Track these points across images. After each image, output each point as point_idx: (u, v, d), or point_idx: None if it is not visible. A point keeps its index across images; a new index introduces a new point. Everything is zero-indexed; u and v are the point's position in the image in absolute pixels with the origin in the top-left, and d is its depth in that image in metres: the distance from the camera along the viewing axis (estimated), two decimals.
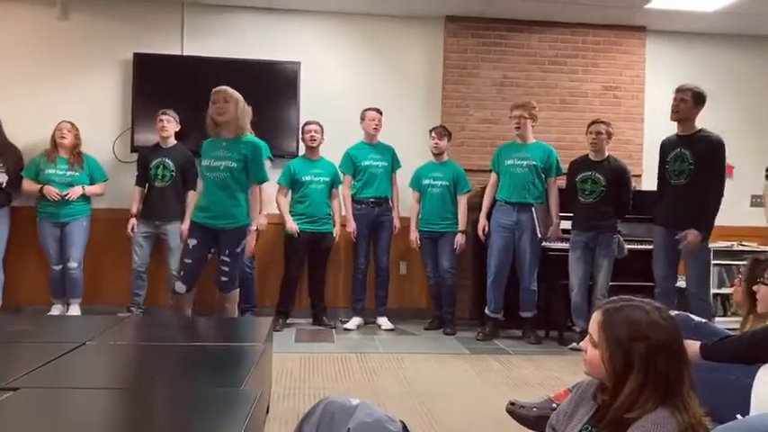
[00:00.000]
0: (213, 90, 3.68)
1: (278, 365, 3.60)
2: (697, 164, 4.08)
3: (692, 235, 4.02)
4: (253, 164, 3.71)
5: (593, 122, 4.66)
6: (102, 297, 5.15)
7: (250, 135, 3.79)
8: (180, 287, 3.69)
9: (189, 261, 3.71)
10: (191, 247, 3.71)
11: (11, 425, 1.68)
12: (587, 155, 4.69)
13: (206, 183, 3.75)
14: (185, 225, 4.63)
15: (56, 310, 4.98)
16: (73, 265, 4.89)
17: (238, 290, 3.88)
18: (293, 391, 3.38)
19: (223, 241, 3.72)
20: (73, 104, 5.20)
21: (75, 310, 4.95)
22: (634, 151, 5.72)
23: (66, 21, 5.33)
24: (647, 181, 5.51)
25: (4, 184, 4.77)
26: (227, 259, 3.71)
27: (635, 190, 4.89)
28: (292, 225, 4.94)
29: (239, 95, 3.72)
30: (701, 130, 4.15)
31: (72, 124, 4.94)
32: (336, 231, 5.10)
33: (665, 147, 4.31)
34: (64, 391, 1.97)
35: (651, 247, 4.41)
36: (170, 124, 4.90)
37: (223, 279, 3.73)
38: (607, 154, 4.64)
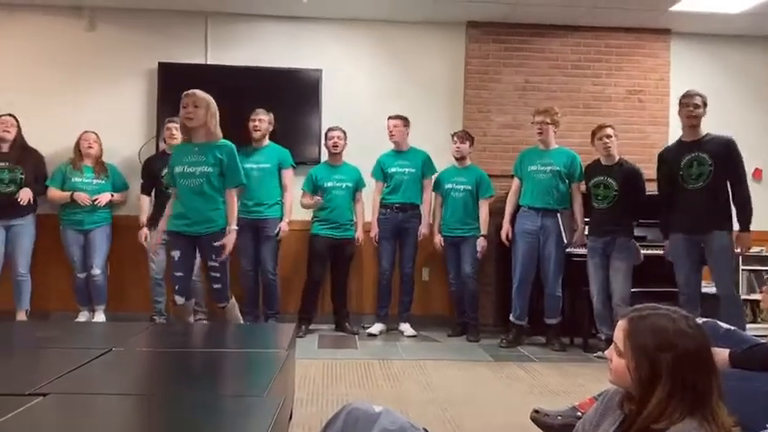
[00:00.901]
0: (183, 93, 3.57)
1: (301, 371, 3.60)
2: (717, 165, 4.08)
3: (742, 237, 4.08)
4: (229, 168, 3.61)
5: (600, 128, 4.59)
6: (126, 304, 5.21)
7: (225, 140, 3.67)
8: (179, 300, 3.64)
9: (179, 274, 3.63)
10: (176, 259, 3.61)
11: (41, 430, 1.71)
12: (599, 159, 4.65)
13: (180, 190, 3.60)
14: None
15: (82, 316, 5.06)
16: (96, 272, 4.96)
17: (234, 298, 3.81)
18: (316, 398, 3.38)
19: (206, 247, 3.63)
20: (100, 113, 5.29)
21: (100, 316, 5.02)
22: None
23: (94, 32, 5.43)
24: None
25: (29, 201, 4.80)
26: (215, 264, 3.62)
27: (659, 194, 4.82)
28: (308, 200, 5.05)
29: (210, 99, 3.59)
30: (708, 134, 4.19)
31: (96, 134, 5.02)
32: (359, 236, 5.12)
33: (672, 154, 4.32)
34: (91, 396, 1.99)
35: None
36: (178, 132, 4.96)
37: (216, 287, 3.65)
38: (618, 157, 4.59)
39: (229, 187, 3.67)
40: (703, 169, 4.12)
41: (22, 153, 4.91)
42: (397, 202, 5.08)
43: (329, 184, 5.06)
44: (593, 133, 4.62)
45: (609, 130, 4.56)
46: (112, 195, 5.01)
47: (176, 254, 3.62)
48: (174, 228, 3.65)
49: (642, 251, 4.58)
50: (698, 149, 4.15)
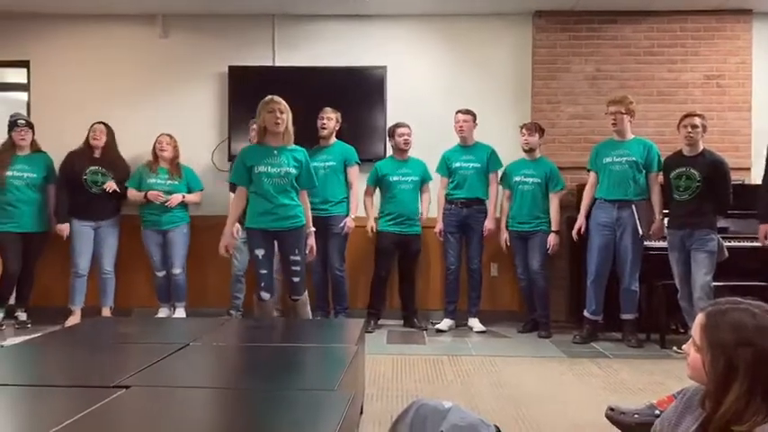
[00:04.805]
0: (269, 99, 3.74)
1: (370, 367, 3.63)
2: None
3: None
4: (306, 171, 3.84)
5: (687, 116, 4.40)
6: (204, 300, 5.39)
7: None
8: (265, 296, 3.79)
9: (264, 271, 3.78)
10: (260, 257, 3.76)
11: (123, 420, 1.79)
12: (681, 150, 4.45)
13: (264, 188, 3.72)
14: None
15: (162, 312, 5.27)
16: (177, 270, 5.15)
17: (307, 293, 3.94)
18: (385, 393, 3.40)
19: (289, 242, 3.79)
20: (174, 117, 5.49)
21: (180, 312, 5.21)
22: (741, 143, 5.37)
23: (167, 39, 5.64)
24: (757, 174, 5.16)
25: (118, 190, 5.09)
26: (297, 258, 3.79)
27: (742, 183, 4.60)
28: (371, 223, 5.09)
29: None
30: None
31: (170, 136, 5.21)
32: (423, 215, 5.11)
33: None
34: (171, 389, 2.07)
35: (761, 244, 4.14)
36: None
37: (295, 280, 3.81)
38: (702, 148, 4.38)
39: (304, 189, 3.89)
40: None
41: (113, 159, 5.16)
42: (463, 198, 5.04)
43: (395, 179, 5.07)
44: (680, 120, 4.43)
45: (696, 120, 4.34)
46: (183, 197, 5.17)
47: (260, 252, 3.78)
48: (257, 225, 3.78)
49: (725, 243, 4.37)
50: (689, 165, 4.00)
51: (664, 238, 4.58)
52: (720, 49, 5.46)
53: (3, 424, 1.78)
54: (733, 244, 4.53)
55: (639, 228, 4.59)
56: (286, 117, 3.73)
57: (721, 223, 4.47)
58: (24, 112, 5.60)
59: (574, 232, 4.78)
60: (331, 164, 5.05)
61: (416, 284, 5.27)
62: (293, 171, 3.76)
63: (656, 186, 4.65)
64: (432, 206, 5.20)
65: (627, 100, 4.68)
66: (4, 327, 5.06)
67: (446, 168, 5.12)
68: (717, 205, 4.34)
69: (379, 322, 5.19)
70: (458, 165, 5.07)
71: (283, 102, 3.75)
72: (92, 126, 5.14)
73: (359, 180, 5.14)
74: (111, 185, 5.05)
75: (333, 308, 5.15)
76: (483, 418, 1.73)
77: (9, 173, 5.02)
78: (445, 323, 5.10)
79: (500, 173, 5.13)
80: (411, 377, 3.75)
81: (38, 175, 5.11)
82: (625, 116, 4.65)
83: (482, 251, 5.10)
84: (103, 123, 5.18)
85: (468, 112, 5.08)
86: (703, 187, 4.31)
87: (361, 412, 2.89)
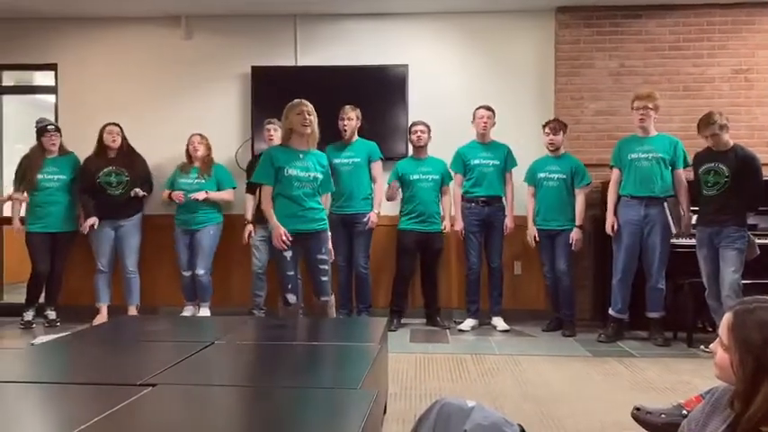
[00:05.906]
0: (297, 102, 3.76)
1: (393, 365, 3.63)
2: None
3: None
4: (327, 175, 3.92)
5: (704, 125, 4.26)
6: (229, 299, 5.44)
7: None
8: (292, 298, 3.80)
9: (291, 273, 3.79)
10: (288, 259, 3.76)
11: (149, 419, 1.81)
12: (710, 146, 4.37)
13: (294, 193, 3.73)
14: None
15: (187, 311, 5.32)
16: (200, 272, 5.19)
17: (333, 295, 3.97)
18: (409, 392, 3.40)
19: (315, 243, 3.81)
20: (197, 118, 5.53)
21: (205, 311, 5.26)
22: None
23: (190, 40, 5.70)
24: None
25: (145, 193, 5.21)
26: (324, 257, 3.84)
27: None
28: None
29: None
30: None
31: (201, 136, 5.26)
32: (446, 228, 5.07)
33: None
34: (196, 387, 2.09)
35: None
36: (277, 133, 5.07)
37: (323, 279, 3.83)
38: (732, 144, 4.30)
39: (326, 193, 3.96)
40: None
41: (127, 158, 5.23)
42: (483, 196, 5.01)
43: (414, 177, 5.06)
44: (698, 129, 4.32)
45: (714, 128, 4.21)
46: (207, 193, 5.19)
47: (289, 254, 3.77)
48: (285, 227, 3.74)
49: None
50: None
51: (691, 236, 4.51)
52: (748, 43, 5.36)
53: (31, 421, 1.81)
54: (763, 241, 4.44)
55: (672, 225, 4.52)
56: (313, 119, 3.76)
57: (750, 220, 4.38)
58: (52, 115, 5.71)
59: (608, 230, 4.68)
60: (356, 160, 5.06)
61: (439, 283, 5.26)
62: (320, 176, 3.82)
63: (683, 182, 4.58)
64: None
65: (654, 96, 4.62)
66: (34, 325, 5.17)
67: (461, 165, 5.10)
68: (746, 201, 4.26)
69: (402, 321, 5.18)
70: (477, 162, 5.04)
71: (311, 105, 3.79)
72: (106, 128, 5.18)
73: (382, 175, 5.13)
74: (137, 192, 5.15)
75: (356, 306, 5.16)
76: (506, 417, 1.72)
77: (40, 176, 5.13)
78: (468, 323, 5.07)
79: (513, 171, 5.10)
80: (434, 376, 3.74)
81: (67, 176, 5.21)
82: (652, 111, 4.60)
83: (502, 249, 5.07)
84: (116, 124, 5.23)
85: (489, 108, 5.05)
86: (732, 183, 4.23)
87: (385, 411, 2.89)
